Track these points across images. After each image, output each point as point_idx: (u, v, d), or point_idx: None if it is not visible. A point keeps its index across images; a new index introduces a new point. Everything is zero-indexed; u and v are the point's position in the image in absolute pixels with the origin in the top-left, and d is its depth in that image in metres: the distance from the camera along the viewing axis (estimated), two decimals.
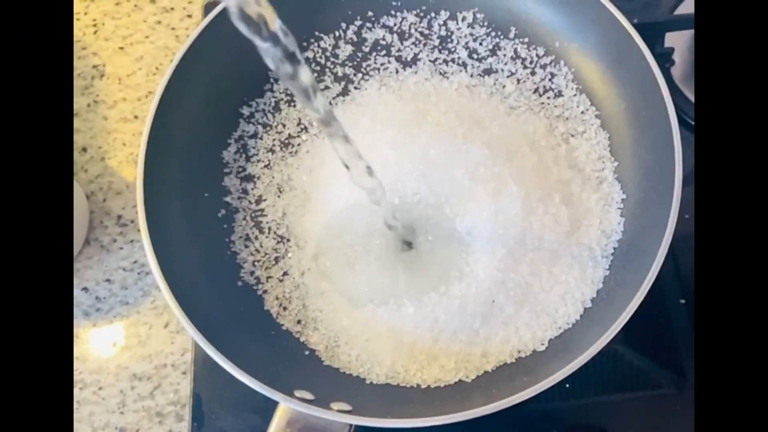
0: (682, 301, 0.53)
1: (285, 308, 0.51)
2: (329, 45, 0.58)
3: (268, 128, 0.56)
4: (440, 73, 0.58)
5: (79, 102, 0.65)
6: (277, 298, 0.51)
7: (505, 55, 0.58)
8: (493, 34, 0.58)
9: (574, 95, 0.56)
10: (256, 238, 0.53)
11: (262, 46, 0.32)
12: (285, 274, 0.52)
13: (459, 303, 0.47)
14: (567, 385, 0.50)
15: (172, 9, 0.69)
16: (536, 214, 0.49)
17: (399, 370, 0.47)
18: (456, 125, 0.52)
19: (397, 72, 0.58)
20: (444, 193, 0.51)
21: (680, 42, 0.62)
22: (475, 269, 0.48)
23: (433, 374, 0.47)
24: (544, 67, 0.57)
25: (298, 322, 0.50)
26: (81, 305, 0.57)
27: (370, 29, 0.59)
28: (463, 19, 0.59)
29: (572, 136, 0.55)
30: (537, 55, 0.57)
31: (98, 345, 0.56)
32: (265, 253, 0.52)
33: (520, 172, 0.50)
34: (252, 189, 0.54)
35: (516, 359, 0.47)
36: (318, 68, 0.58)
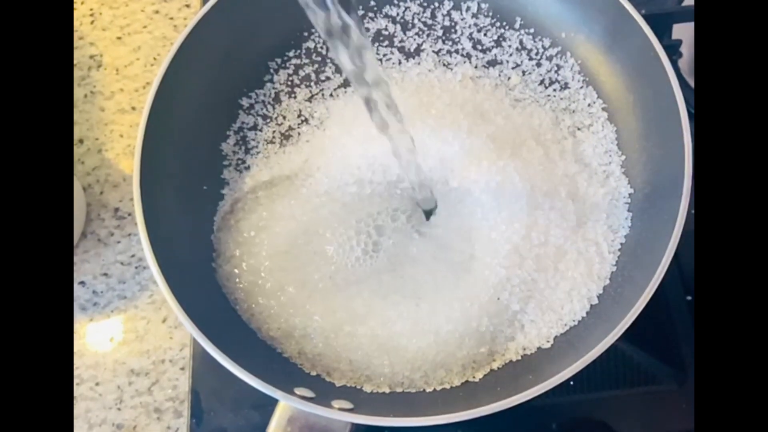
0: (689, 297, 0.52)
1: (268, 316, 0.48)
2: None
3: (268, 120, 0.55)
4: (444, 65, 0.57)
5: (75, 93, 0.64)
6: (256, 304, 0.49)
7: (510, 46, 0.57)
8: (498, 24, 0.57)
9: (581, 87, 0.55)
10: None
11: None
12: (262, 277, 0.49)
13: (460, 306, 0.46)
14: (571, 383, 0.50)
15: None
16: (542, 209, 0.48)
17: (401, 380, 0.46)
18: (460, 118, 0.51)
19: (399, 63, 0.57)
20: (446, 187, 0.50)
21: (688, 34, 0.61)
22: (478, 267, 0.48)
23: (439, 378, 0.46)
24: (550, 58, 0.56)
25: (277, 330, 0.48)
26: (78, 299, 0.56)
27: (372, 19, 0.58)
28: (467, 9, 0.57)
29: (579, 129, 0.54)
30: (543, 47, 0.56)
31: (95, 340, 0.55)
32: None
33: (526, 166, 0.49)
34: (249, 180, 0.53)
35: (521, 357, 0.46)
36: (319, 59, 0.57)
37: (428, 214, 0.51)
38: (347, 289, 0.48)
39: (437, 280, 0.48)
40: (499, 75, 0.56)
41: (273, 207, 0.51)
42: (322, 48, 0.57)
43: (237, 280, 0.49)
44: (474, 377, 0.46)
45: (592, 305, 0.47)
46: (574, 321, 0.47)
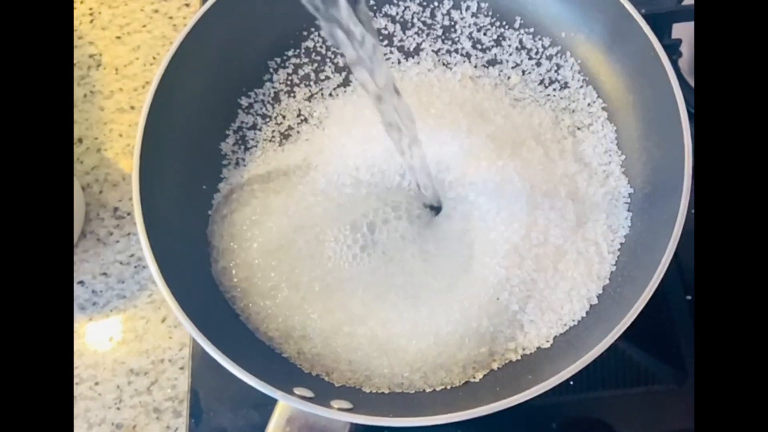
0: (689, 297, 0.52)
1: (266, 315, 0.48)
2: None
3: (268, 119, 0.55)
4: (443, 64, 0.57)
5: (75, 92, 0.64)
6: (253, 304, 0.48)
7: (509, 46, 0.57)
8: (498, 23, 0.57)
9: (581, 87, 0.55)
10: None
11: None
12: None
13: (460, 307, 0.46)
14: (571, 383, 0.50)
15: None
16: (541, 209, 0.48)
17: (401, 380, 0.46)
18: (459, 117, 0.51)
19: (399, 62, 0.57)
20: (446, 187, 0.50)
21: (688, 33, 0.61)
22: (477, 267, 0.47)
23: (439, 379, 0.46)
24: (549, 58, 0.56)
25: (275, 330, 0.48)
26: (77, 299, 0.56)
27: (371, 18, 0.58)
28: (467, 8, 0.57)
29: (578, 128, 0.54)
30: (543, 46, 0.56)
31: (94, 339, 0.55)
32: None
33: (525, 165, 0.49)
34: (245, 174, 0.53)
35: (521, 357, 0.46)
36: (318, 58, 0.57)
37: (435, 210, 0.51)
38: (342, 289, 0.48)
39: (436, 281, 0.48)
40: (499, 74, 0.56)
41: (267, 201, 0.51)
42: (321, 47, 0.57)
43: (233, 277, 0.49)
44: (474, 377, 0.46)
45: (591, 305, 0.47)
46: (573, 321, 0.47)
